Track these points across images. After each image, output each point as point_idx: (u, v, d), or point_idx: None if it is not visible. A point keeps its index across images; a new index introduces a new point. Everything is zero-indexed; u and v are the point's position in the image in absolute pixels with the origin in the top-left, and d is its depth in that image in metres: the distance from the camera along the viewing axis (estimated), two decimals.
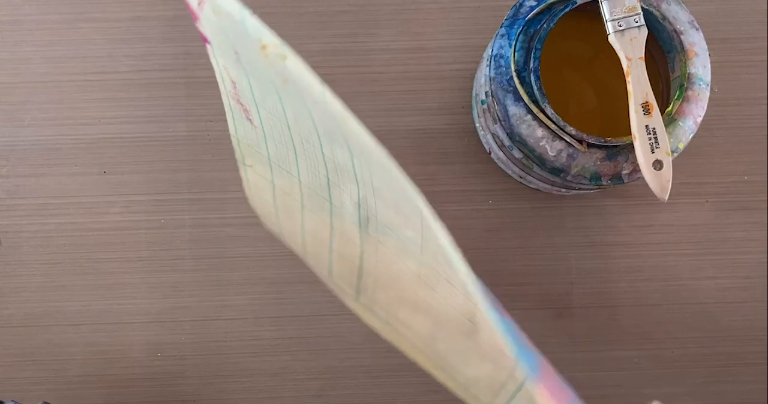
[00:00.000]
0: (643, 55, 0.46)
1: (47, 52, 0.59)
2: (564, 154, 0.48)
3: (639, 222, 0.59)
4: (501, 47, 0.49)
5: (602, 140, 0.47)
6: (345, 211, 0.44)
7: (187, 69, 0.58)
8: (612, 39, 0.46)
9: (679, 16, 0.49)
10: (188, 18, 0.59)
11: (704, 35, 0.49)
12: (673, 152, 0.48)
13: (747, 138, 0.59)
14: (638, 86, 0.46)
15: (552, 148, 0.48)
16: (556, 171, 0.48)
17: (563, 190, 0.55)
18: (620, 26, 0.46)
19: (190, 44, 0.59)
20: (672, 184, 0.45)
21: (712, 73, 0.49)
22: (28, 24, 0.59)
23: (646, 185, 0.45)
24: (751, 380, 0.58)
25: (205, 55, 0.58)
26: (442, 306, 0.43)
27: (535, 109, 0.47)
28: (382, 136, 0.54)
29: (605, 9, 0.46)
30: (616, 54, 0.46)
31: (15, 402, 0.52)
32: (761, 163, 0.59)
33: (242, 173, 0.51)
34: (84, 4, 0.59)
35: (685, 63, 0.48)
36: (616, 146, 0.47)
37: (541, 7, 0.48)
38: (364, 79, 0.59)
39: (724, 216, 0.59)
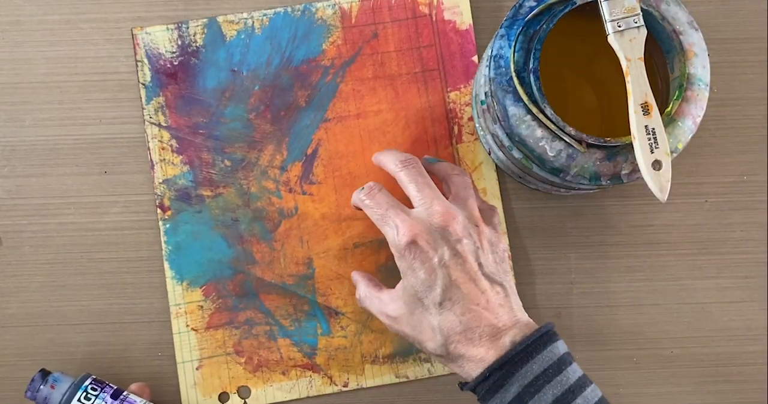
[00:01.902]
0: (643, 56, 0.46)
1: (48, 53, 0.59)
2: (563, 154, 0.48)
3: (638, 222, 0.59)
4: (500, 47, 0.49)
5: (601, 140, 0.47)
6: None
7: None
8: (611, 39, 0.46)
9: (679, 17, 0.49)
10: (188, 19, 0.59)
11: (703, 35, 0.49)
12: (672, 152, 0.48)
13: (746, 138, 0.59)
14: (638, 86, 0.46)
15: (551, 149, 0.48)
16: (556, 171, 0.48)
17: (563, 190, 0.55)
18: (620, 27, 0.46)
19: None
20: (671, 184, 0.45)
21: (712, 73, 0.50)
22: (29, 24, 0.59)
23: (646, 185, 0.45)
24: (751, 380, 0.58)
25: None
26: None
27: (534, 110, 0.47)
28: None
29: (605, 9, 0.46)
30: (616, 54, 0.47)
31: (62, 372, 0.53)
32: (761, 163, 0.59)
33: None
34: (84, 4, 0.59)
35: (684, 63, 0.48)
36: (615, 146, 0.47)
37: (541, 7, 0.48)
38: None
39: (723, 216, 0.59)
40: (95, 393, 0.51)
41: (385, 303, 0.50)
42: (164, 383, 0.57)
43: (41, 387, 0.52)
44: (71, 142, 0.58)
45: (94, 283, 0.58)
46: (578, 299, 0.58)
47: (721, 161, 0.59)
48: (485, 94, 0.51)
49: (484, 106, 0.52)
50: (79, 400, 0.51)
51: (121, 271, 0.58)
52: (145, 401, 0.52)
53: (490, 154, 0.56)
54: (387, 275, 0.58)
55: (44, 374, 0.52)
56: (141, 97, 0.58)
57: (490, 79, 0.49)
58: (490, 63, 0.49)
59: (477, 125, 0.57)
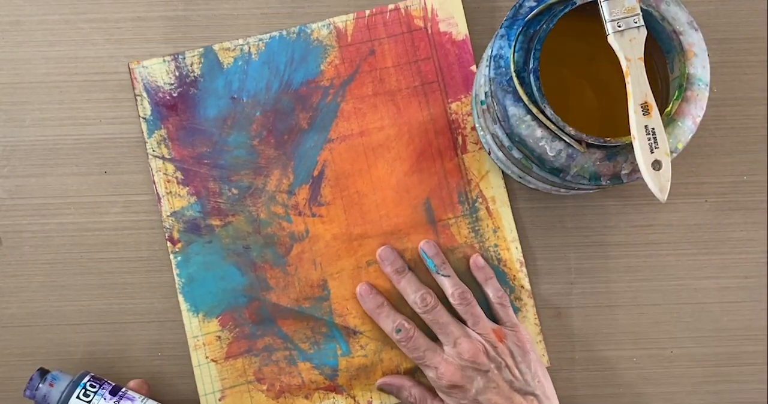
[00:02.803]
0: (643, 56, 0.46)
1: (48, 53, 0.59)
2: (563, 154, 0.48)
3: (638, 222, 0.59)
4: (500, 48, 0.49)
5: (601, 140, 0.47)
6: None
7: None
8: (611, 39, 0.46)
9: (679, 17, 0.49)
10: (188, 19, 0.59)
11: (703, 35, 0.49)
12: (672, 152, 0.48)
13: (746, 138, 0.59)
14: (637, 86, 0.46)
15: (551, 148, 0.48)
16: (556, 171, 0.48)
17: (563, 190, 0.55)
18: (620, 27, 0.46)
19: (191, 45, 0.59)
20: (671, 184, 0.45)
21: (712, 74, 0.50)
22: (29, 24, 0.59)
23: (646, 185, 0.45)
24: (751, 380, 0.58)
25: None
26: None
27: (534, 110, 0.47)
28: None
29: (605, 9, 0.46)
30: (616, 54, 0.47)
31: (60, 371, 0.53)
32: (761, 162, 0.59)
33: None
34: (84, 4, 0.59)
35: (684, 63, 0.48)
36: (615, 146, 0.47)
37: (541, 7, 0.48)
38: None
39: (723, 216, 0.59)
40: (94, 389, 0.52)
41: None
42: (164, 382, 0.57)
43: (40, 385, 0.52)
44: (71, 142, 0.58)
45: (94, 283, 0.58)
46: (578, 299, 0.59)
47: (721, 161, 0.59)
48: (485, 94, 0.51)
49: (484, 106, 0.52)
50: (78, 397, 0.51)
51: (121, 271, 0.58)
52: (143, 397, 0.52)
53: (490, 153, 0.56)
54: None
55: (43, 372, 0.52)
56: (143, 131, 0.58)
57: (490, 79, 0.49)
58: (490, 63, 0.49)
59: (477, 125, 0.57)
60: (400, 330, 0.55)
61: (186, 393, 0.57)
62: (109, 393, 0.52)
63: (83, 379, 0.52)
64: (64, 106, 0.59)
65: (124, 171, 0.58)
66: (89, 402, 0.51)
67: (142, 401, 0.52)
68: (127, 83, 0.58)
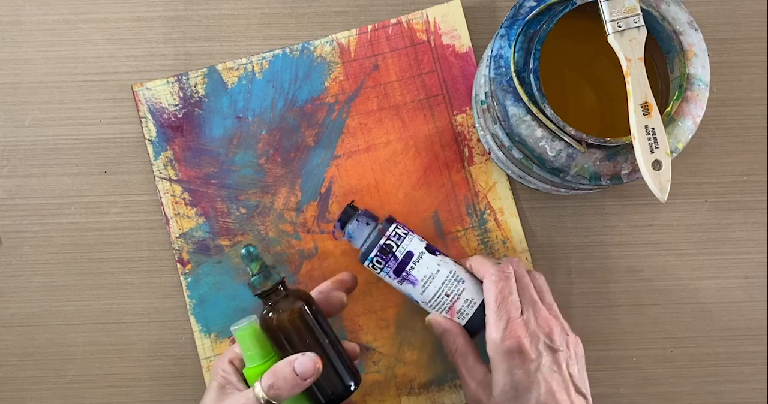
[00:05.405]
0: (643, 56, 0.46)
1: (48, 53, 0.59)
2: (563, 154, 0.48)
3: (638, 222, 0.59)
4: (501, 48, 0.49)
5: (601, 140, 0.47)
6: None
7: (188, 70, 0.58)
8: (611, 39, 0.46)
9: (679, 17, 0.49)
10: (188, 18, 0.59)
11: (703, 36, 0.49)
12: (672, 152, 0.48)
13: (746, 138, 0.59)
14: (638, 86, 0.46)
15: (551, 148, 0.48)
16: (556, 171, 0.48)
17: (563, 190, 0.55)
18: (620, 27, 0.46)
19: (191, 45, 0.59)
20: (671, 184, 0.45)
21: (712, 74, 0.50)
22: (29, 24, 0.59)
23: (646, 185, 0.45)
24: (751, 380, 0.58)
25: (204, 56, 0.59)
26: None
27: (534, 110, 0.47)
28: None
29: (605, 10, 0.46)
30: (616, 54, 0.47)
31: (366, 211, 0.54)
32: (761, 163, 0.59)
33: None
34: (84, 4, 0.59)
35: (684, 63, 0.48)
36: (615, 146, 0.47)
37: (541, 7, 0.48)
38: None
39: (723, 216, 0.59)
40: (384, 258, 0.52)
41: (478, 380, 0.51)
42: (164, 383, 0.57)
43: (356, 220, 0.53)
44: (71, 142, 0.58)
45: (94, 283, 0.58)
46: (578, 299, 0.59)
47: (721, 161, 0.59)
48: (485, 94, 0.51)
49: (484, 106, 0.52)
50: (378, 252, 0.52)
51: (121, 271, 0.58)
52: (426, 276, 0.52)
53: (490, 153, 0.56)
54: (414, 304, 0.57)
55: (354, 208, 0.53)
56: (149, 153, 0.58)
57: (490, 79, 0.49)
58: (490, 63, 0.49)
59: (477, 125, 0.57)
60: (500, 263, 0.52)
61: (185, 393, 0.57)
62: (394, 272, 0.52)
63: (389, 229, 0.52)
64: (64, 106, 0.59)
65: (124, 171, 0.58)
66: (380, 271, 0.52)
67: (423, 283, 0.52)
68: (127, 83, 0.58)
